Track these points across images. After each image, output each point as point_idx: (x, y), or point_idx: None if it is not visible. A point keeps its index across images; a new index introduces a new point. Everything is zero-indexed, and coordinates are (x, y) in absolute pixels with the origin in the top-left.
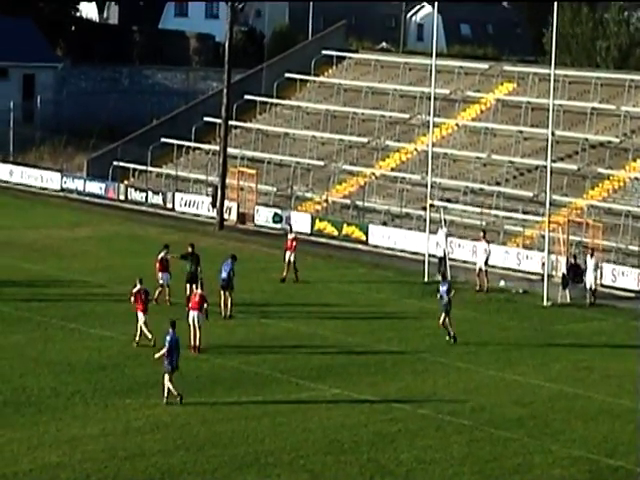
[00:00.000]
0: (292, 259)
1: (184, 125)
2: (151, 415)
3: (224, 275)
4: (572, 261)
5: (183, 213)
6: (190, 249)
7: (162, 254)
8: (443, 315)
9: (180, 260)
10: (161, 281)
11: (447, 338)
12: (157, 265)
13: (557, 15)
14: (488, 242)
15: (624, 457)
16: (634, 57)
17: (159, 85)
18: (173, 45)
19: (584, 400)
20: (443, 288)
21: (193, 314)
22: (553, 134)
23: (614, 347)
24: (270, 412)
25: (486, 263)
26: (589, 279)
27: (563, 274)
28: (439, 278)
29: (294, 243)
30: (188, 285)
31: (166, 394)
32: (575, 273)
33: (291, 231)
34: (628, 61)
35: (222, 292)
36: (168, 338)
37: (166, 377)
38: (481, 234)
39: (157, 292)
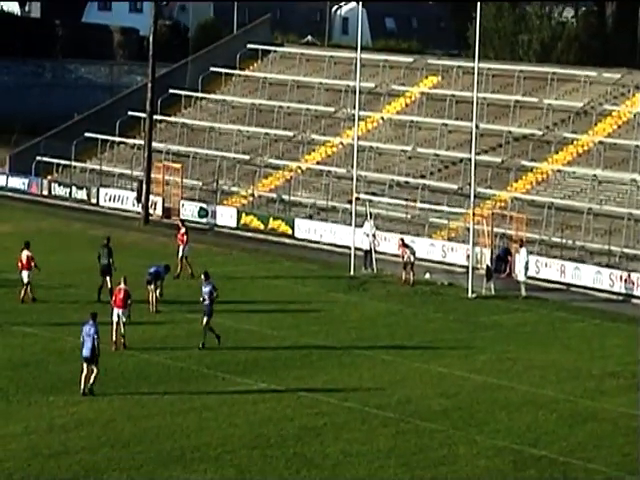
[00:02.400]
0: (184, 253)
1: (108, 120)
2: (75, 412)
3: (151, 270)
4: (499, 252)
5: (108, 208)
6: (105, 241)
7: (26, 252)
8: (205, 318)
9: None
10: (26, 279)
11: (200, 346)
12: (20, 263)
13: (480, 9)
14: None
15: (547, 446)
16: (556, 51)
17: (83, 79)
18: (97, 39)
19: (508, 391)
20: (206, 289)
21: (117, 311)
22: (477, 127)
23: (538, 338)
24: (196, 407)
25: (414, 255)
26: (520, 271)
27: (487, 266)
28: (365, 271)
29: (185, 237)
30: (102, 277)
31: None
32: (498, 265)
33: (183, 225)
34: (550, 55)
35: (148, 286)
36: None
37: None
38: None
39: (22, 292)
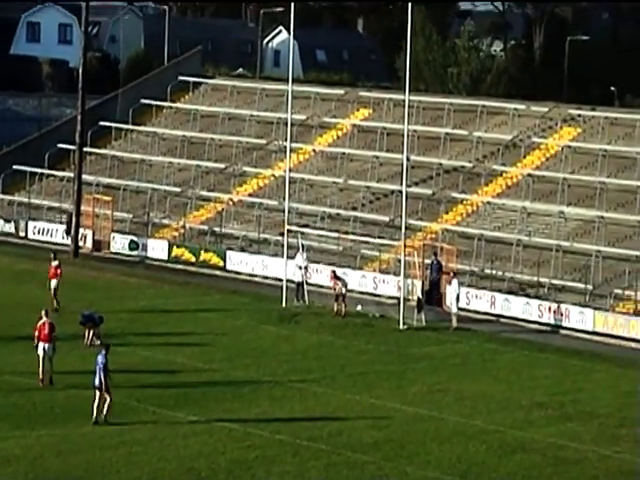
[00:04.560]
0: (55, 286)
1: (37, 152)
2: (2, 449)
3: (85, 313)
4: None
5: (37, 241)
6: None
7: None
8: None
9: None
10: None
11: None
12: None
13: (410, 42)
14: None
15: (477, 477)
16: (485, 83)
17: (11, 111)
18: (25, 71)
19: (439, 422)
20: (101, 358)
21: (43, 345)
22: (408, 159)
23: (468, 369)
24: (126, 442)
25: (346, 287)
26: (452, 303)
27: (418, 298)
28: (296, 304)
29: (58, 271)
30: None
31: None
32: (431, 295)
33: (55, 258)
34: (479, 87)
35: (82, 327)
36: None
37: None
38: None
39: None
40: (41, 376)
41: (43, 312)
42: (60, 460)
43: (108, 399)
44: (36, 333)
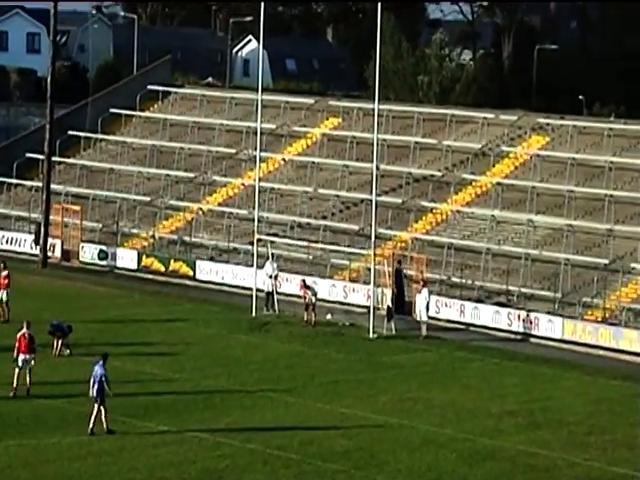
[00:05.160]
0: (4, 297)
1: (5, 161)
2: None
3: (54, 322)
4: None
5: (5, 251)
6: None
7: None
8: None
9: None
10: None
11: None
12: None
13: (379, 51)
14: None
15: None
16: (454, 92)
17: None
18: None
19: (409, 430)
20: (99, 369)
21: (24, 357)
22: (378, 168)
23: (438, 378)
24: (95, 452)
25: (316, 296)
26: (421, 311)
27: (388, 306)
28: (266, 313)
29: (7, 281)
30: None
31: None
32: (399, 302)
33: (5, 268)
34: (449, 96)
35: (51, 337)
36: None
37: None
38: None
39: None
40: (15, 386)
41: (25, 323)
42: (28, 471)
43: (103, 410)
44: (17, 344)
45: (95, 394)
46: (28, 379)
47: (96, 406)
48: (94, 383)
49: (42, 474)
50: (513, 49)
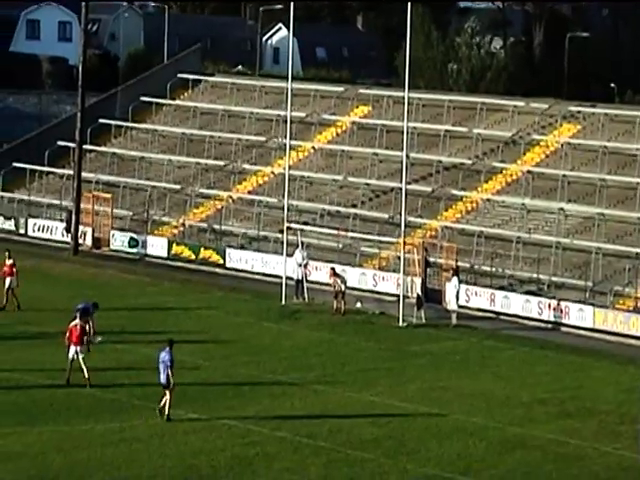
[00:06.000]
0: (12, 285)
1: (37, 149)
2: (3, 445)
3: (79, 306)
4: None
5: (36, 238)
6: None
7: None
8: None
9: None
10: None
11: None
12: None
13: (410, 39)
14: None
15: (477, 474)
16: (485, 80)
17: (10, 109)
18: (25, 68)
19: (438, 419)
20: (166, 355)
21: (75, 348)
22: (408, 156)
23: (468, 366)
24: (127, 439)
25: (345, 285)
26: (451, 300)
27: (418, 295)
28: (296, 301)
29: (13, 269)
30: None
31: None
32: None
33: (9, 257)
34: (479, 84)
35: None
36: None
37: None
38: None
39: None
40: (67, 376)
41: (77, 314)
42: (61, 456)
43: (168, 396)
44: (67, 335)
45: (165, 381)
46: (85, 371)
47: (167, 392)
48: (161, 370)
49: (75, 460)
50: (544, 37)
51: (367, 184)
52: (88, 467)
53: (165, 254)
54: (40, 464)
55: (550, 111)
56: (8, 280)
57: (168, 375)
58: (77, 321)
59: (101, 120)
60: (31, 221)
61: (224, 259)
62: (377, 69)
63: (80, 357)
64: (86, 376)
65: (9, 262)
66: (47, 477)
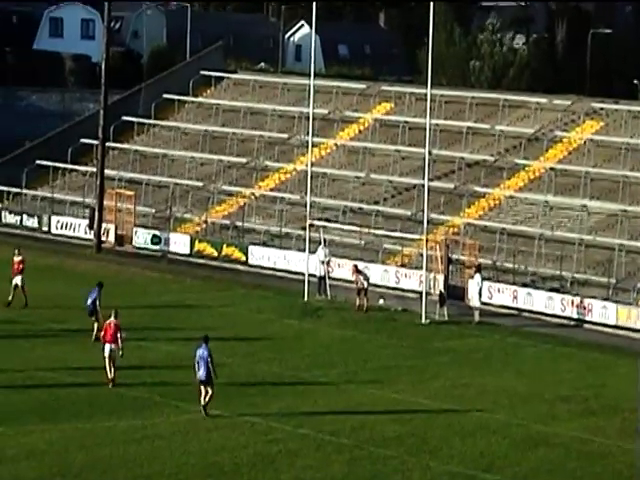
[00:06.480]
0: (20, 283)
1: (60, 147)
2: (26, 443)
3: (89, 302)
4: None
5: (59, 236)
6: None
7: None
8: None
9: None
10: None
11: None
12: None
13: (432, 36)
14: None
15: (500, 472)
16: (507, 77)
17: (34, 107)
18: (48, 66)
19: (461, 416)
20: (204, 352)
21: (110, 346)
22: (430, 153)
23: (491, 363)
24: (149, 436)
25: (368, 282)
26: (474, 297)
27: (440, 292)
28: (319, 298)
29: (21, 266)
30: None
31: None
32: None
33: (19, 254)
34: (501, 81)
35: (91, 318)
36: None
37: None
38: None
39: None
40: (110, 376)
41: (113, 312)
42: (83, 453)
43: (210, 391)
44: (102, 333)
45: (204, 377)
46: (112, 370)
47: (203, 388)
48: (200, 366)
49: (97, 457)
50: (567, 33)
51: (389, 181)
52: (110, 464)
53: (187, 251)
54: (63, 461)
55: (573, 108)
56: (19, 278)
57: (209, 371)
58: (112, 319)
59: (124, 117)
60: (54, 218)
61: (246, 256)
62: (399, 66)
63: (113, 356)
64: (111, 376)
65: (18, 259)
66: (70, 474)
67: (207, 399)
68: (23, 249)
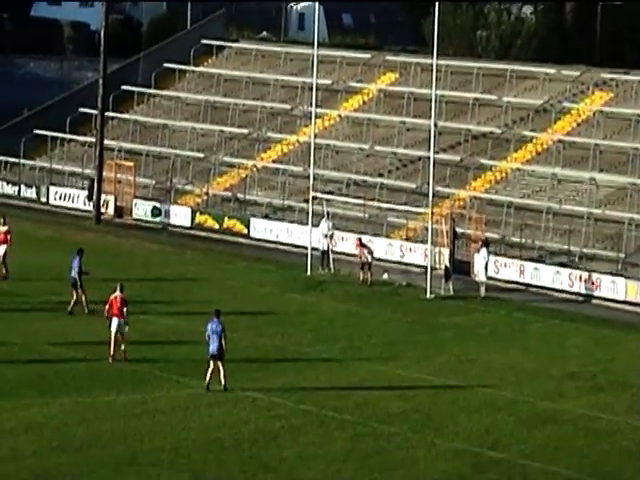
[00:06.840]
0: (4, 253)
1: (58, 116)
2: (25, 416)
3: (72, 274)
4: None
5: (58, 207)
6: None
7: None
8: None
9: None
10: None
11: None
12: None
13: (438, 4)
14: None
15: (506, 449)
16: (515, 47)
17: (31, 75)
18: (46, 33)
19: (467, 393)
20: (216, 326)
21: (118, 320)
22: (436, 125)
23: (497, 339)
24: (149, 410)
25: (372, 255)
26: (480, 271)
27: (445, 266)
28: (322, 272)
29: (8, 236)
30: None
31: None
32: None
33: (4, 223)
34: (509, 51)
35: (73, 290)
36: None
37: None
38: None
39: None
40: (112, 352)
41: (118, 286)
42: (84, 428)
43: (222, 367)
44: (107, 307)
45: (216, 351)
46: (121, 344)
47: (212, 363)
48: (213, 340)
49: (97, 431)
50: (576, 2)
51: (394, 153)
52: (110, 438)
53: (188, 223)
54: (62, 435)
55: (582, 78)
56: (2, 248)
57: (222, 345)
58: (117, 293)
59: (123, 87)
60: (52, 189)
61: (248, 229)
62: (404, 36)
63: (120, 331)
64: (123, 348)
65: (3, 229)
66: (69, 448)
67: (222, 376)
68: (22, 220)
